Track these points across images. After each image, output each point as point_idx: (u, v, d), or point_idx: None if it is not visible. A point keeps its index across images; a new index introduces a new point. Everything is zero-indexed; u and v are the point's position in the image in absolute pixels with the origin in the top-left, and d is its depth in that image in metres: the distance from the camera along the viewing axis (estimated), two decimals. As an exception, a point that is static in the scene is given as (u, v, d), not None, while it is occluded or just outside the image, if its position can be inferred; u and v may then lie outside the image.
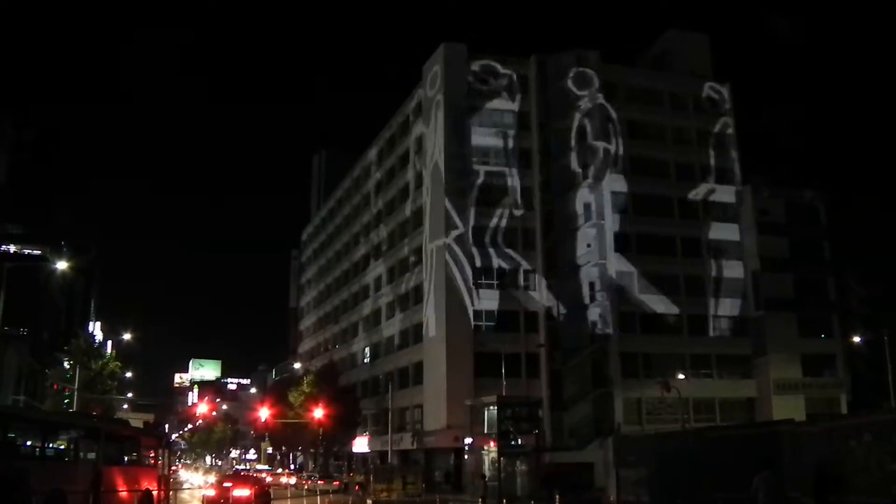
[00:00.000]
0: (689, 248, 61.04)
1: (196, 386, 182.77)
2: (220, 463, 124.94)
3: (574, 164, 59.43)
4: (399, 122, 71.50)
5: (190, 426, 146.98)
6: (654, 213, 60.24)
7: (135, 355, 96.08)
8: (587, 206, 58.52)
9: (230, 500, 32.60)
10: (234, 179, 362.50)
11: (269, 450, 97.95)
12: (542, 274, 57.65)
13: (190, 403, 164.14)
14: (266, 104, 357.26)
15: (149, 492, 24.47)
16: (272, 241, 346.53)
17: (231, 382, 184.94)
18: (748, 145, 65.88)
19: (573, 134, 59.83)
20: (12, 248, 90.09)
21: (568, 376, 55.49)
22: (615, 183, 59.63)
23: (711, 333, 60.43)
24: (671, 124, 63.53)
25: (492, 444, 39.92)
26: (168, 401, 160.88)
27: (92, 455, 21.83)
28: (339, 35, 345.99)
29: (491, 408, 40.80)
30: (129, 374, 72.90)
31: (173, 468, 58.98)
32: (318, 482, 55.71)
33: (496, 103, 60.22)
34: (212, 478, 54.45)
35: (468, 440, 44.22)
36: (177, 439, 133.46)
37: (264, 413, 70.32)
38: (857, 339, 57.91)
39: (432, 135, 61.48)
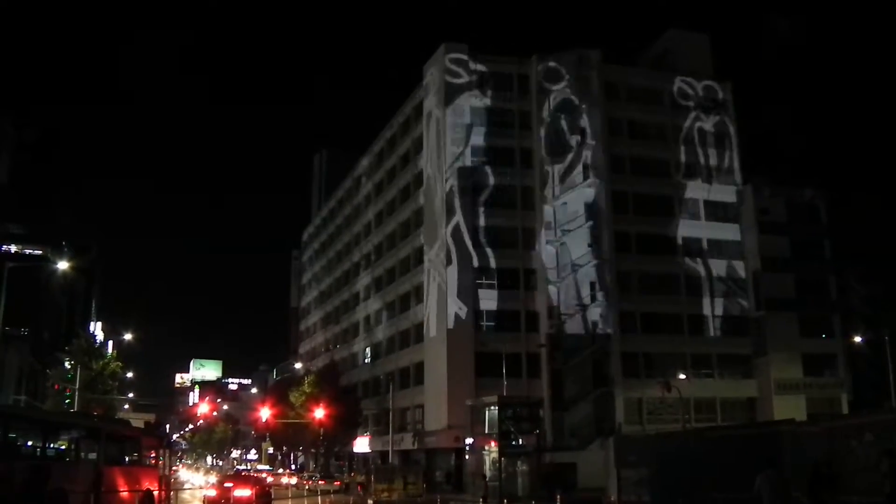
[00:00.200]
0: (690, 248, 61.10)
1: (197, 386, 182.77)
2: (220, 463, 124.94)
3: (576, 162, 59.42)
4: (399, 122, 71.49)
5: (191, 426, 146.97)
6: (655, 212, 60.39)
7: (136, 355, 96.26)
8: (588, 206, 58.56)
9: (231, 501, 32.61)
10: (234, 179, 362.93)
11: (270, 450, 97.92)
12: (543, 274, 57.60)
13: (191, 403, 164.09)
14: (266, 104, 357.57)
15: (150, 492, 24.49)
16: (273, 241, 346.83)
17: (232, 382, 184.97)
18: (749, 145, 65.92)
19: (575, 133, 59.83)
20: (13, 248, 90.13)
21: (569, 376, 55.45)
22: (616, 182, 59.72)
23: (712, 333, 60.46)
24: (672, 124, 63.54)
25: (493, 444, 39.97)
26: (169, 401, 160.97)
27: (93, 455, 21.86)
28: (339, 35, 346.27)
29: (492, 408, 40.86)
30: (130, 375, 72.90)
31: (174, 468, 59.05)
32: (319, 482, 55.69)
33: (497, 103, 60.19)
34: (213, 478, 54.49)
35: (469, 440, 44.25)
36: (178, 439, 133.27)
37: (265, 413, 70.32)
38: (858, 338, 57.83)
39: (433, 134, 61.47)
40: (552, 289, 57.03)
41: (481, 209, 58.19)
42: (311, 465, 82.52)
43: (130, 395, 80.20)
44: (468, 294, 56.31)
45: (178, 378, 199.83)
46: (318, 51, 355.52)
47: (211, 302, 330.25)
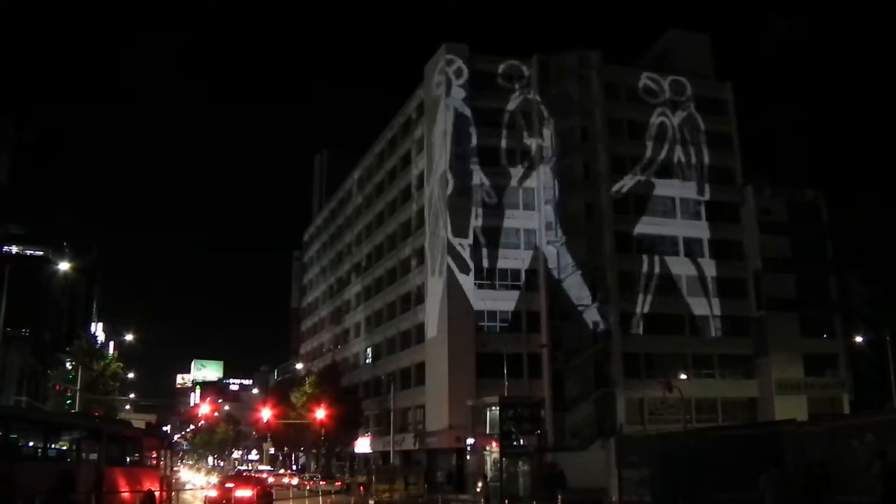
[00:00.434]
0: (691, 248, 61.13)
1: (198, 387, 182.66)
2: (222, 464, 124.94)
3: (576, 164, 59.46)
4: (400, 122, 71.51)
5: (192, 427, 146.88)
6: (656, 212, 60.45)
7: (137, 356, 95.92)
8: (589, 206, 58.61)
9: (232, 501, 32.61)
10: (235, 179, 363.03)
11: (272, 450, 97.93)
12: (544, 274, 57.61)
13: (192, 404, 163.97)
14: (267, 104, 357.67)
15: (151, 492, 24.52)
16: (274, 241, 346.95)
17: (233, 383, 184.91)
18: (749, 145, 65.90)
19: (575, 134, 59.89)
20: (14, 249, 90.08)
21: (570, 376, 55.47)
22: (617, 183, 59.77)
23: (713, 334, 60.46)
24: (672, 124, 63.52)
25: (494, 444, 39.91)
26: (170, 402, 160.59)
27: (94, 456, 21.88)
28: (339, 35, 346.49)
29: (493, 408, 40.81)
30: (131, 375, 72.91)
31: (175, 469, 59.05)
32: (321, 483, 55.68)
33: (498, 103, 60.21)
34: (214, 478, 54.51)
35: (470, 440, 44.21)
36: (179, 440, 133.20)
37: (266, 414, 70.33)
38: (859, 338, 57.83)
39: (433, 135, 61.50)
40: (553, 289, 57.01)
41: (482, 209, 58.22)
42: (313, 466, 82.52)
43: (131, 395, 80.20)
44: (469, 294, 56.30)
45: (180, 379, 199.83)
46: (319, 51, 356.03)
47: (212, 302, 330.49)
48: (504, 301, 57.15)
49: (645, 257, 59.31)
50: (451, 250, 56.95)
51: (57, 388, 62.70)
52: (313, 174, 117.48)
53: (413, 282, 64.76)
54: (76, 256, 73.72)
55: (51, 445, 20.75)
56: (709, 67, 66.54)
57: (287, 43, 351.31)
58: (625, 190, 60.10)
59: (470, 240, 57.24)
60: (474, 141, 59.26)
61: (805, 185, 64.38)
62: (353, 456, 74.34)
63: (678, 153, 62.87)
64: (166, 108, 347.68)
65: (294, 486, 57.16)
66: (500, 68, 60.94)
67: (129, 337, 67.00)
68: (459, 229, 57.24)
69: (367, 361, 75.87)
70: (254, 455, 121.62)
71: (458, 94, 59.67)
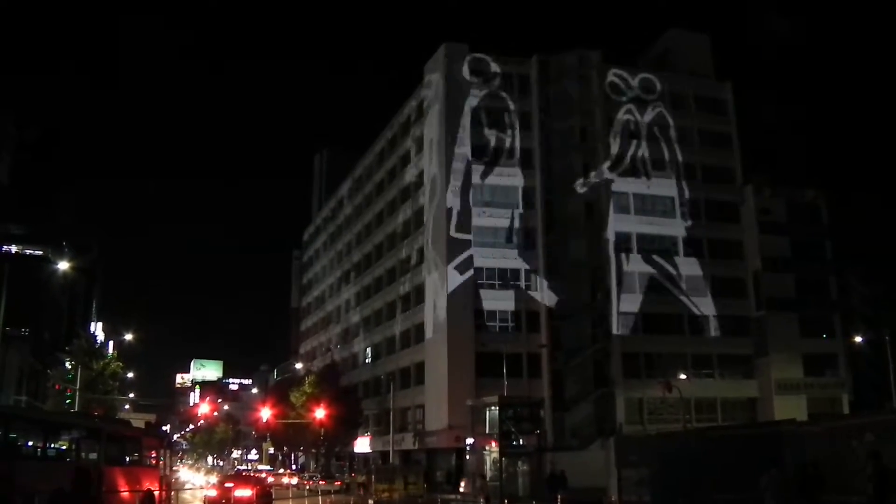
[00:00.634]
0: (691, 248, 61.11)
1: (198, 386, 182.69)
2: (221, 463, 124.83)
3: (575, 163, 59.47)
4: (400, 121, 71.50)
5: (191, 426, 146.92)
6: (656, 212, 60.43)
7: (136, 355, 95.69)
8: (588, 206, 58.61)
9: (232, 501, 32.59)
10: (235, 179, 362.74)
11: (271, 450, 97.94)
12: (544, 274, 57.63)
13: (191, 404, 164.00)
14: (267, 104, 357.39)
15: (150, 492, 24.51)
16: (274, 241, 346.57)
17: (233, 383, 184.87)
18: (749, 145, 65.93)
19: (575, 134, 59.90)
20: (14, 249, 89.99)
21: (569, 376, 55.49)
22: (616, 183, 59.77)
23: (713, 333, 60.45)
24: (672, 124, 63.51)
25: (493, 444, 39.90)
26: (169, 401, 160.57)
27: (94, 455, 21.88)
28: (340, 35, 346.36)
29: (492, 408, 40.79)
30: (130, 375, 72.85)
31: (175, 468, 59.05)
32: (320, 482, 55.69)
33: (497, 103, 60.19)
34: (213, 478, 54.43)
35: (470, 440, 44.20)
36: (178, 440, 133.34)
37: (266, 413, 70.31)
38: (858, 338, 57.87)
39: (433, 134, 61.49)
40: (553, 288, 57.02)
41: (482, 208, 58.21)
42: (312, 466, 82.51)
43: (131, 395, 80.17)
44: (469, 294, 56.30)
45: (179, 378, 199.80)
46: (319, 50, 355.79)
47: (211, 302, 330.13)
48: (504, 301, 57.13)
49: (645, 257, 59.27)
50: (451, 249, 56.93)
51: (56, 387, 62.67)
52: (313, 173, 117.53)
53: (412, 281, 64.75)
54: (76, 256, 73.61)
55: (50, 445, 20.74)
56: (709, 67, 66.56)
57: (287, 43, 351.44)
58: (625, 189, 60.07)
59: (471, 238, 57.22)
60: (474, 139, 59.22)
61: (805, 184, 64.43)
62: (353, 456, 74.33)
63: (678, 152, 62.85)
64: (166, 108, 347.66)
65: (293, 486, 57.15)
66: (500, 68, 60.91)
67: (128, 336, 66.94)
68: (459, 228, 57.22)
69: (367, 361, 75.87)
70: (253, 455, 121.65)
71: (459, 93, 59.63)
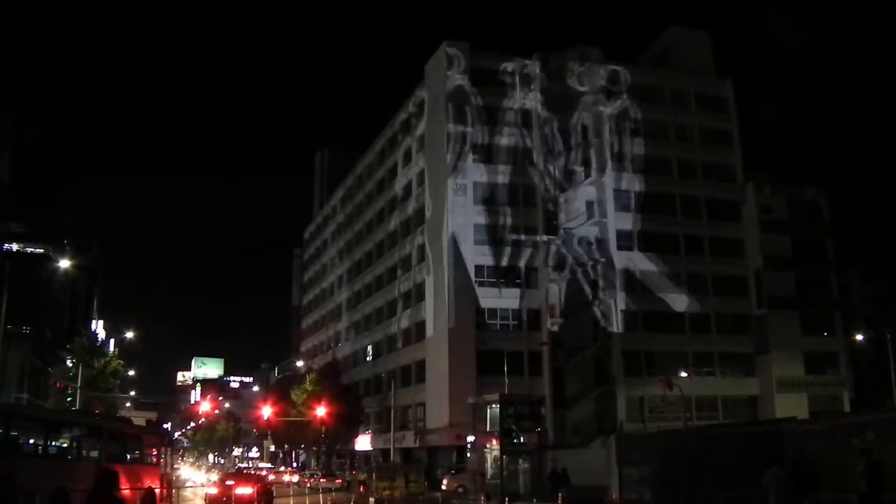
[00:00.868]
0: (691, 246, 61.12)
1: (199, 384, 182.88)
2: (222, 461, 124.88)
3: (577, 161, 59.44)
4: (401, 120, 71.46)
5: (192, 424, 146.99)
6: (657, 210, 60.41)
7: (137, 353, 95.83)
8: (590, 204, 58.57)
9: (233, 498, 32.57)
10: (236, 177, 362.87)
11: (272, 448, 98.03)
12: (545, 272, 57.60)
13: (192, 402, 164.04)
14: (268, 103, 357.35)
15: (151, 490, 24.51)
16: (275, 239, 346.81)
17: (234, 381, 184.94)
18: (750, 143, 65.91)
19: (576, 131, 59.87)
20: (15, 247, 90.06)
21: (570, 374, 55.50)
22: (618, 181, 59.78)
23: (714, 331, 60.44)
24: (673, 122, 63.51)
25: (494, 442, 39.88)
26: (171, 399, 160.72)
27: (95, 453, 21.89)
28: (340, 34, 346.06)
29: (493, 406, 40.73)
30: (131, 373, 72.92)
31: (176, 466, 59.07)
32: (321, 480, 55.68)
33: (498, 101, 60.13)
34: (214, 476, 54.45)
35: (470, 438, 44.21)
36: (179, 437, 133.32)
37: (267, 411, 70.38)
38: (859, 336, 57.86)
39: (434, 133, 61.45)
40: (554, 287, 57.03)
41: (482, 207, 58.19)
42: (313, 463, 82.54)
43: (132, 393, 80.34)
44: (469, 292, 56.30)
45: (180, 376, 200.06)
46: (319, 50, 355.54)
47: (213, 300, 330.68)
48: (505, 299, 57.13)
49: (645, 255, 59.29)
50: (452, 248, 56.92)
51: (58, 385, 62.70)
52: (314, 172, 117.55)
53: (413, 279, 64.76)
54: (77, 254, 73.79)
55: (51, 443, 20.76)
56: (710, 65, 66.52)
57: (288, 43, 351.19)
58: (626, 187, 60.06)
59: (471, 237, 57.22)
60: (474, 138, 59.17)
61: (805, 183, 64.37)
62: (354, 453, 74.40)
63: (679, 150, 62.84)
64: (166, 108, 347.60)
65: (294, 484, 57.14)
66: (501, 66, 60.84)
67: (129, 334, 66.99)
68: (460, 226, 57.23)
69: (368, 359, 75.90)
70: (254, 452, 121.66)
71: (460, 91, 59.58)
